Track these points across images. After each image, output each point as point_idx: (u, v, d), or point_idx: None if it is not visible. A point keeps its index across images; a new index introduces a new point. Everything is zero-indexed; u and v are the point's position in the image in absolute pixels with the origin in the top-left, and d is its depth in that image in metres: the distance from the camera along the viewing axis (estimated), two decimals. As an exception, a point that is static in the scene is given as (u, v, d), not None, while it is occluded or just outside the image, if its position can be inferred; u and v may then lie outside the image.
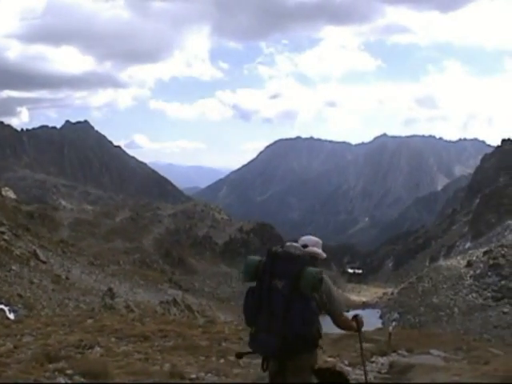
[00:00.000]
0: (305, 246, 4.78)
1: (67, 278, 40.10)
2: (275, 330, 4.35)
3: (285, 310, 4.35)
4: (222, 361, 12.06)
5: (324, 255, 4.93)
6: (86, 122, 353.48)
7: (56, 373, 9.02)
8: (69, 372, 9.01)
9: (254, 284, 4.62)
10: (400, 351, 14.97)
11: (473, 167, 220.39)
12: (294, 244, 4.78)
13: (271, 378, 4.69)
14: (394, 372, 11.06)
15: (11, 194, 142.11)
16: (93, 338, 13.90)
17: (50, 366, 9.65)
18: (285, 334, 4.34)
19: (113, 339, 14.24)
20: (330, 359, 12.58)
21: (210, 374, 10.11)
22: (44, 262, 41.80)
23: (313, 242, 4.93)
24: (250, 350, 4.65)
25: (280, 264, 4.48)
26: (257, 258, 4.70)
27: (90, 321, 18.18)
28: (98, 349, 12.40)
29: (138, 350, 12.70)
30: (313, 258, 4.73)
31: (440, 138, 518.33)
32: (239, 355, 4.90)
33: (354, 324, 5.03)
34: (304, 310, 4.36)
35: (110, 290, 28.10)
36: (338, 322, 4.79)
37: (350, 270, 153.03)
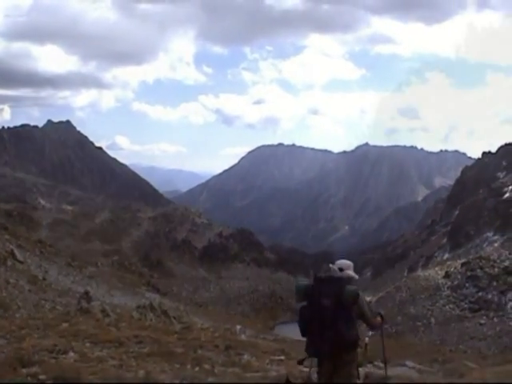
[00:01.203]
0: (341, 269, 6.20)
1: (44, 279, 39.60)
2: (326, 338, 5.73)
3: (332, 321, 5.72)
4: (196, 369, 11.98)
5: (356, 277, 6.31)
6: (68, 121, 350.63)
7: (29, 378, 8.93)
8: (42, 377, 8.93)
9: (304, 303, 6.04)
10: (376, 362, 14.86)
11: (453, 179, 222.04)
12: (334, 267, 6.23)
13: (322, 374, 6.09)
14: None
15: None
16: (67, 342, 13.73)
17: (24, 370, 9.56)
18: (334, 340, 5.72)
19: (87, 344, 14.07)
20: (306, 369, 12.51)
21: (184, 382, 10.04)
22: (21, 262, 41.27)
23: (347, 266, 6.34)
24: (304, 355, 6.18)
25: (325, 286, 5.93)
26: (305, 281, 6.14)
27: (65, 324, 17.96)
28: (72, 354, 12.27)
29: (112, 356, 12.57)
30: (348, 280, 6.05)
31: (421, 149, 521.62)
32: (300, 362, 6.46)
33: (379, 320, 6.51)
34: (347, 319, 5.77)
35: (87, 293, 27.82)
36: (369, 323, 6.26)
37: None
